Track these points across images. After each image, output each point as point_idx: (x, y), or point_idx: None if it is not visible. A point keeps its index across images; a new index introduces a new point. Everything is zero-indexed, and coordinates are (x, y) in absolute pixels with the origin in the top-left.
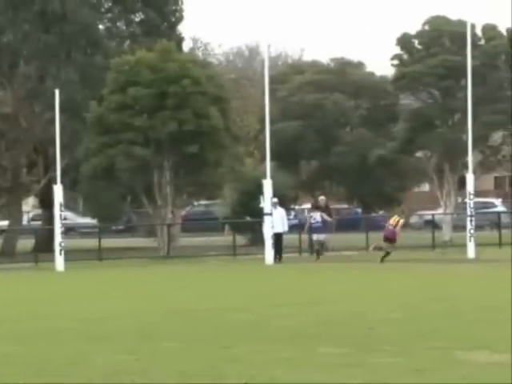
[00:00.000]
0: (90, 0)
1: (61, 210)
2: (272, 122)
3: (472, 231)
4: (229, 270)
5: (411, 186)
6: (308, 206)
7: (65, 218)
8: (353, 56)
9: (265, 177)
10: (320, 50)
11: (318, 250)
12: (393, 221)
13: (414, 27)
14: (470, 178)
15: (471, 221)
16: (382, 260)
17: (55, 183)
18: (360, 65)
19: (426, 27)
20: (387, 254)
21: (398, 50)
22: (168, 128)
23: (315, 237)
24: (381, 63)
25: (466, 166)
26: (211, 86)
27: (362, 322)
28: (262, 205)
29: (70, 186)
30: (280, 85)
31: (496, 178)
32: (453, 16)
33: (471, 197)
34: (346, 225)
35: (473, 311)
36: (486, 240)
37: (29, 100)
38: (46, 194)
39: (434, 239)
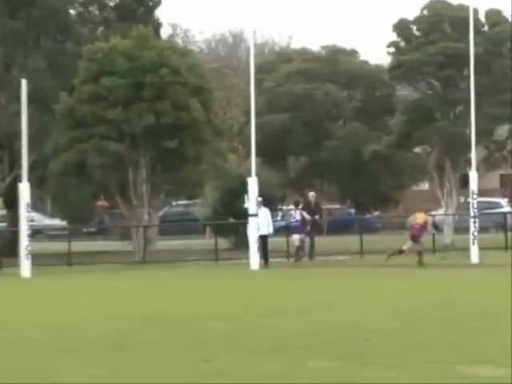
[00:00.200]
0: None
1: (27, 211)
2: (258, 115)
3: (475, 234)
4: (210, 276)
5: (409, 184)
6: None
7: (31, 220)
8: (345, 43)
9: (250, 174)
10: (310, 37)
11: (297, 252)
12: (419, 219)
13: (411, 12)
14: (473, 175)
15: (475, 222)
16: (422, 263)
17: (21, 181)
18: (353, 53)
19: (425, 12)
20: (420, 253)
21: (394, 37)
22: (144, 121)
23: (294, 238)
24: (376, 51)
25: (468, 163)
26: (192, 76)
27: (355, 332)
28: (246, 205)
29: (37, 185)
30: (266, 74)
31: (502, 175)
32: (454, 0)
33: (474, 196)
34: (338, 226)
35: (475, 320)
36: (490, 243)
37: None
38: (11, 193)
39: (434, 242)
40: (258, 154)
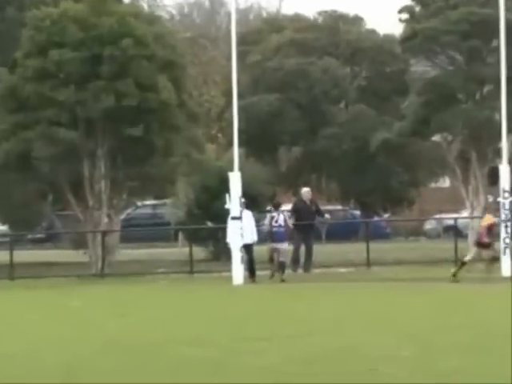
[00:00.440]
0: None
1: None
2: (241, 96)
3: (507, 241)
4: (184, 292)
5: (426, 180)
6: (288, 206)
7: None
8: (347, 8)
9: (231, 168)
10: (304, 1)
11: (282, 263)
12: (486, 222)
13: None
14: (504, 170)
15: (506, 227)
16: (490, 270)
17: None
18: (357, 20)
19: None
20: (494, 260)
21: (408, 1)
22: (102, 103)
23: (276, 246)
24: (385, 18)
25: (498, 154)
26: (160, 48)
27: (359, 359)
28: (227, 206)
29: None
30: (252, 46)
31: None
32: None
33: (506, 195)
34: (340, 232)
35: (504, 345)
36: None
37: None
38: None
39: (457, 251)
40: (241, 144)
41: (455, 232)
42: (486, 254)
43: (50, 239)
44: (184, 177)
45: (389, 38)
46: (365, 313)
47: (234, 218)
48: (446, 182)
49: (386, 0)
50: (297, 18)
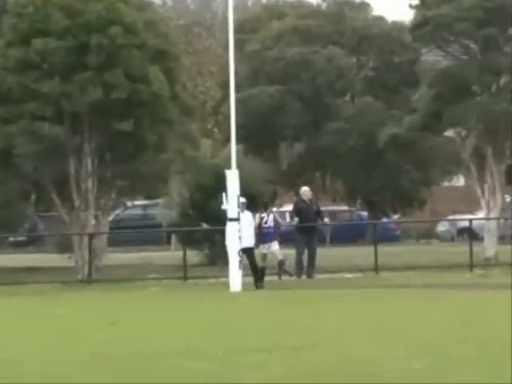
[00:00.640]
0: None
1: None
2: (239, 88)
3: None
4: (177, 300)
5: (438, 178)
6: (289, 207)
7: None
8: None
9: (229, 166)
10: None
11: (262, 268)
12: None
13: None
14: None
15: None
16: None
17: None
18: (364, 6)
19: None
20: None
21: None
22: (90, 96)
23: (265, 249)
24: (394, 4)
25: None
26: (151, 36)
27: (367, 373)
28: (224, 206)
29: None
30: (250, 34)
31: None
32: None
33: None
34: (346, 234)
35: None
36: None
37: None
38: None
39: (473, 255)
40: (239, 140)
41: (470, 234)
42: None
43: (33, 242)
44: (177, 175)
45: (398, 26)
46: (373, 322)
47: (231, 220)
48: (459, 181)
49: None
50: (299, 4)
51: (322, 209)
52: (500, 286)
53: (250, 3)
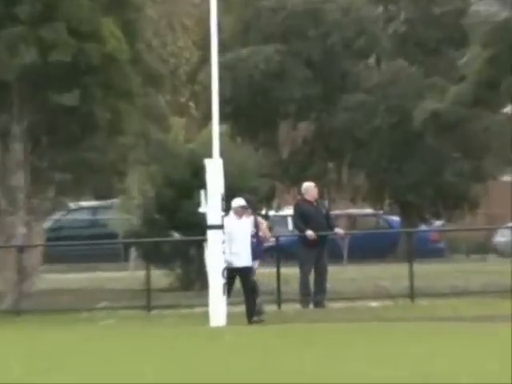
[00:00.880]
0: None
1: None
2: (223, 48)
3: None
4: (137, 338)
5: (496, 171)
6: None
7: None
8: None
9: (209, 153)
10: None
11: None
12: None
13: None
14: None
15: None
16: None
17: None
18: None
19: None
20: None
21: None
22: (21, 59)
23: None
24: None
25: None
26: None
27: None
28: (203, 208)
29: None
30: None
31: None
32: None
33: None
34: (369, 247)
35: None
36: None
37: None
38: None
39: None
40: (223, 118)
41: None
42: None
43: None
44: (139, 166)
45: None
46: (408, 371)
47: (212, 227)
48: None
49: None
50: None
51: (338, 212)
52: None
53: None
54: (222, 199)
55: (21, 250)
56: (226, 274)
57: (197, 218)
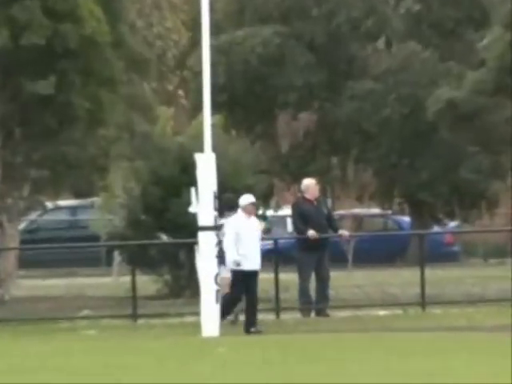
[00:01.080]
0: None
1: None
2: (216, 29)
3: None
4: (122, 350)
5: None
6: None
7: None
8: None
9: (200, 147)
10: None
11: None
12: None
13: None
14: None
15: None
16: None
17: None
18: None
19: None
20: None
21: None
22: None
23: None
24: None
25: None
26: None
27: None
28: (193, 208)
29: None
30: None
31: None
32: None
33: None
34: (377, 251)
35: None
36: None
37: None
38: None
39: None
40: (216, 108)
41: None
42: None
43: None
44: (122, 161)
45: None
46: None
47: (204, 229)
48: None
49: None
50: None
51: (342, 212)
52: None
53: None
54: (215, 198)
55: None
56: (232, 277)
57: (187, 219)
